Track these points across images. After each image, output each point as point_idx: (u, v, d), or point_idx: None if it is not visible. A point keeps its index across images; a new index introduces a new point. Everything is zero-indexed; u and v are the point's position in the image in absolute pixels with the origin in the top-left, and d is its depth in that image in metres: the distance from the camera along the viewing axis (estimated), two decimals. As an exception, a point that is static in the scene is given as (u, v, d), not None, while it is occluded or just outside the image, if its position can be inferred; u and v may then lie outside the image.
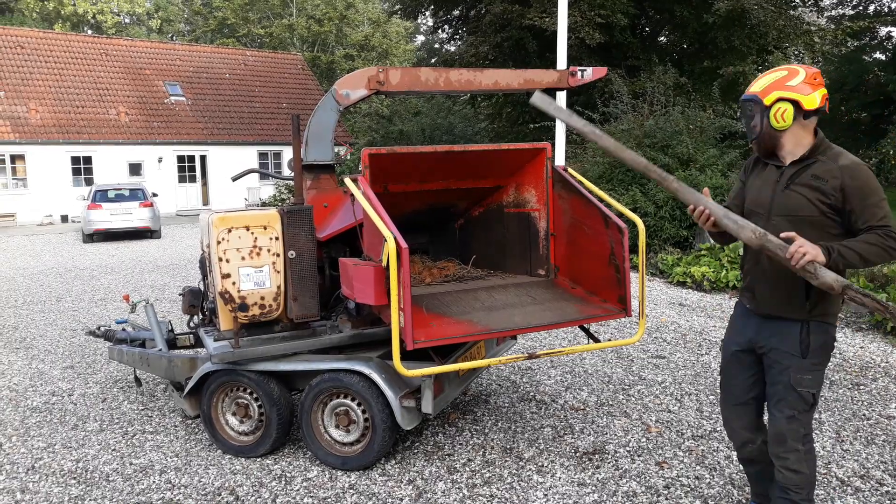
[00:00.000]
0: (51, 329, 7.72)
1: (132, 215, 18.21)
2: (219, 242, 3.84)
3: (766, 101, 2.71)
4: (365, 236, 3.69)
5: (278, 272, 3.95)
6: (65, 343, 7.04)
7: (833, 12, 30.89)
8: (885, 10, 30.72)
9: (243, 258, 3.88)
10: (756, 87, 2.76)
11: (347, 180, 3.56)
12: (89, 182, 24.92)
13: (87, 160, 26.17)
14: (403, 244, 3.07)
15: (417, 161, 3.87)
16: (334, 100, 4.29)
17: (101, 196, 18.43)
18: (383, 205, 3.32)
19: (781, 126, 2.70)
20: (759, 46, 20.70)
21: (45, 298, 9.69)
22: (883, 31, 30.34)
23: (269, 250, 3.93)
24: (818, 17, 24.82)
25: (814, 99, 2.66)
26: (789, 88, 2.67)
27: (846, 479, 3.70)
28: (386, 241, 3.08)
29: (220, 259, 3.84)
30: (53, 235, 20.21)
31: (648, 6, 21.76)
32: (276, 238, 3.94)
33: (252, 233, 3.90)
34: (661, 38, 24.37)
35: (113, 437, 4.52)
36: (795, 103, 2.67)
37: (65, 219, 25.25)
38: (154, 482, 3.87)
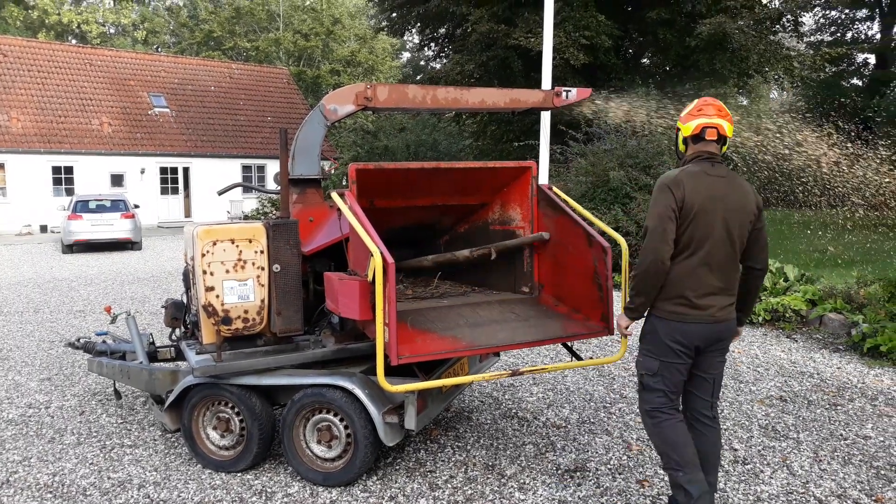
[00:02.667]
0: (28, 340, 7.62)
1: (113, 226, 18.06)
2: (203, 255, 3.83)
3: (675, 131, 3.33)
4: (351, 251, 3.70)
5: (262, 286, 3.94)
6: (42, 355, 6.95)
7: (812, 38, 31.54)
8: (862, 37, 31.44)
9: (227, 271, 3.87)
10: None
11: (334, 195, 3.57)
12: (70, 192, 24.70)
13: (69, 170, 25.95)
14: (390, 259, 3.08)
15: (404, 177, 3.90)
16: (322, 115, 4.31)
17: (82, 206, 18.26)
18: (370, 220, 3.34)
19: (681, 149, 3.28)
20: (740, 70, 21.07)
21: (22, 309, 9.56)
22: (860, 57, 31.00)
23: (253, 263, 3.92)
24: (798, 43, 25.30)
25: (689, 127, 3.17)
26: (680, 119, 3.26)
27: (823, 498, 3.74)
28: (372, 255, 3.09)
29: (205, 272, 3.83)
30: (32, 245, 19.98)
31: (632, 29, 22.10)
32: (261, 251, 3.94)
33: (237, 246, 3.89)
34: (645, 60, 24.71)
35: (91, 451, 4.47)
36: (679, 131, 3.24)
37: (44, 229, 24.95)
38: (132, 497, 3.83)
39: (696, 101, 3.24)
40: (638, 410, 5.04)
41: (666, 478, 3.96)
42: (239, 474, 4.05)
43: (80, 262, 15.76)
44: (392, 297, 3.09)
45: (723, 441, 4.50)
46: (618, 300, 3.75)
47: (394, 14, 24.86)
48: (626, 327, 3.36)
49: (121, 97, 28.67)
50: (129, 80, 29.57)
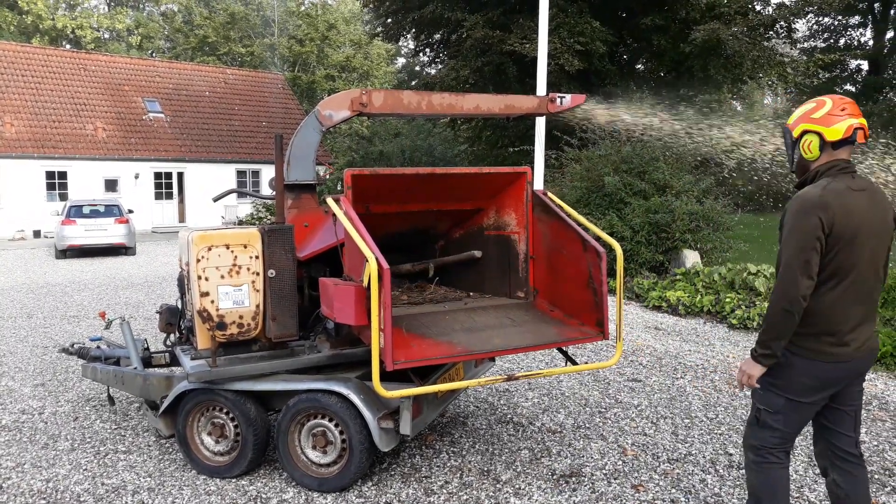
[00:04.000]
0: (21, 346, 7.58)
1: (107, 231, 17.99)
2: (198, 260, 3.82)
3: (795, 134, 2.84)
4: (346, 256, 3.70)
5: (258, 291, 3.94)
6: (36, 360, 6.92)
7: (805, 44, 31.75)
8: (855, 43, 31.66)
9: (223, 276, 3.86)
10: (790, 118, 2.89)
11: (330, 200, 3.58)
12: (64, 197, 24.61)
13: (63, 175, 25.88)
14: (385, 265, 3.08)
15: (399, 182, 3.91)
16: (317, 120, 4.32)
17: (76, 212, 18.21)
18: (365, 225, 3.34)
19: (810, 157, 2.80)
20: (733, 76, 21.24)
21: (15, 315, 9.52)
22: (853, 63, 31.21)
23: (248, 269, 3.92)
24: (791, 49, 25.45)
25: (837, 130, 2.71)
26: (813, 121, 2.77)
27: (818, 502, 3.75)
28: (367, 261, 3.10)
29: (200, 277, 3.82)
30: (25, 251, 19.90)
31: (627, 35, 22.22)
32: (257, 257, 3.93)
33: (232, 251, 3.89)
34: (639, 66, 24.83)
35: (84, 457, 4.45)
36: (820, 135, 2.75)
37: (37, 234, 24.87)
38: (127, 503, 3.81)
39: (825, 98, 2.81)
40: (630, 415, 5.07)
41: (661, 482, 3.97)
42: (234, 480, 4.04)
43: (73, 267, 15.71)
44: (387, 302, 3.10)
45: (719, 446, 4.51)
46: (612, 305, 3.76)
47: (389, 20, 24.95)
48: (757, 378, 2.83)
49: (115, 102, 28.63)
50: (123, 85, 29.53)
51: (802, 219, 2.65)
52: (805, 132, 2.79)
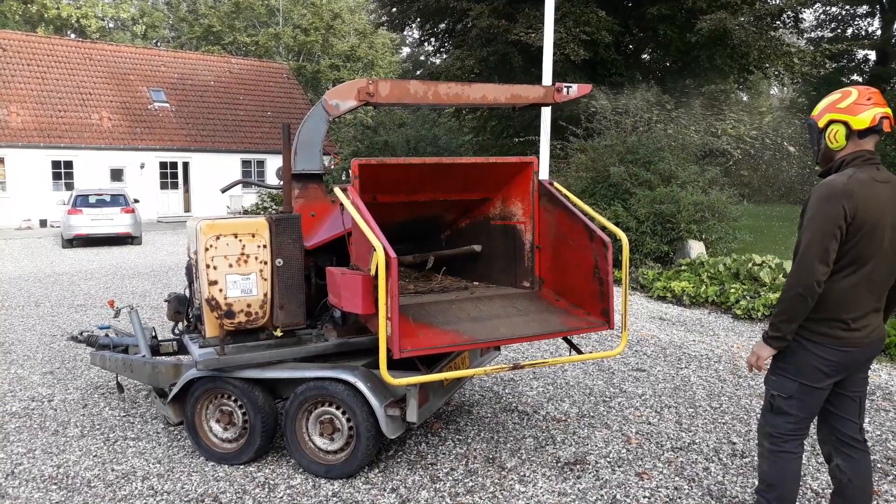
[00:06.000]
0: (29, 334, 7.64)
1: (113, 221, 18.06)
2: (207, 249, 3.86)
3: (820, 124, 2.87)
4: (353, 245, 3.73)
5: (265, 280, 3.97)
6: (44, 348, 6.97)
7: (812, 34, 31.54)
8: (863, 33, 31.43)
9: (231, 265, 3.89)
10: (815, 110, 2.92)
11: (337, 190, 3.60)
12: (70, 187, 24.71)
13: (68, 164, 25.94)
14: (392, 254, 3.11)
15: (406, 172, 3.92)
16: (324, 110, 4.33)
17: (82, 201, 18.26)
18: (372, 215, 3.36)
19: (836, 146, 2.83)
20: (740, 66, 21.15)
21: (23, 303, 9.59)
22: (860, 53, 31.00)
23: (256, 258, 3.95)
24: (798, 39, 25.30)
25: (864, 119, 2.75)
26: (839, 110, 2.80)
27: (821, 490, 3.78)
28: (375, 250, 3.12)
29: (208, 266, 3.86)
30: (32, 240, 19.99)
31: (632, 24, 22.10)
32: (264, 246, 3.96)
33: (240, 240, 3.92)
34: (645, 56, 24.72)
35: (94, 443, 4.50)
36: (846, 124, 2.78)
37: (44, 223, 24.95)
38: (136, 488, 3.86)
39: (850, 89, 2.83)
40: (634, 404, 5.10)
41: (665, 470, 4.00)
42: (242, 466, 4.08)
43: (80, 256, 15.78)
44: (394, 291, 3.12)
45: (723, 435, 4.54)
46: (617, 295, 3.78)
47: (394, 9, 24.85)
48: (766, 360, 2.93)
49: (120, 92, 28.64)
50: (128, 74, 29.54)
51: (826, 206, 2.70)
52: (831, 122, 2.82)
